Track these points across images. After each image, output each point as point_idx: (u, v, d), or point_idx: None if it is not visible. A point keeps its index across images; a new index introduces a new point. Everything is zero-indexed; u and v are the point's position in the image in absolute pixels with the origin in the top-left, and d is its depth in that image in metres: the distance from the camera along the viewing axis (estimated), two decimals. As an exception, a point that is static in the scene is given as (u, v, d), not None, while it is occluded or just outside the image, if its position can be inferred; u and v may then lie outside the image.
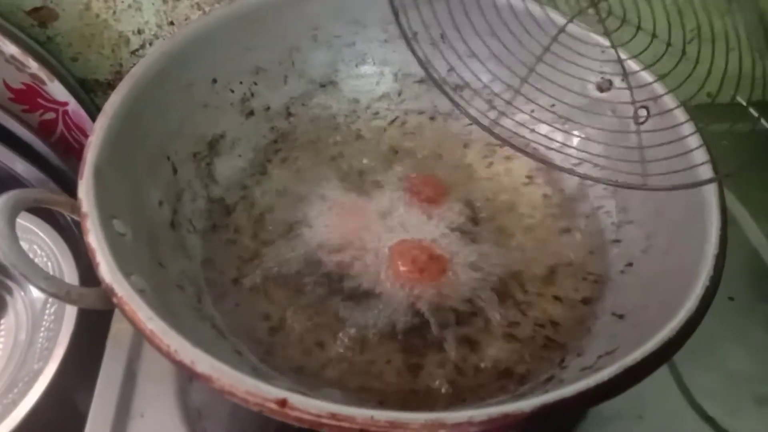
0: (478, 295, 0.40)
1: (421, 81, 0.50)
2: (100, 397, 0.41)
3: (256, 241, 0.42)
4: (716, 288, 0.31)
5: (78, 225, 0.51)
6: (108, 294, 0.29)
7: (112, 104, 0.37)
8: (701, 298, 0.30)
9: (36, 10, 0.51)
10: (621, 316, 0.36)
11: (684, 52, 0.61)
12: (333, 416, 0.25)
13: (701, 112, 0.63)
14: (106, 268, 0.29)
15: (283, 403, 0.25)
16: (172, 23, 0.53)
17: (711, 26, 0.60)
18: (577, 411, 0.26)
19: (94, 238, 0.30)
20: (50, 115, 0.55)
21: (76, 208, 0.33)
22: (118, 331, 0.44)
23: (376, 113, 0.49)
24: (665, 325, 0.29)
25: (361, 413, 0.25)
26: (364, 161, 0.47)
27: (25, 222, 0.48)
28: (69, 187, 0.54)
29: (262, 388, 0.25)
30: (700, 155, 0.37)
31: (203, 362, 0.26)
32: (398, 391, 0.36)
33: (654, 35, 0.58)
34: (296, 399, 0.25)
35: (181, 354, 0.27)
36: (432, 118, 0.49)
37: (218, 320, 0.37)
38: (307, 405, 0.25)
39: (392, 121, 0.49)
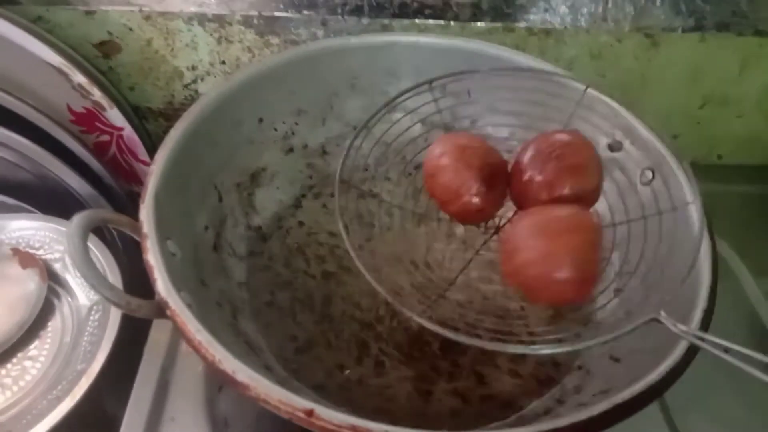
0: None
1: (446, 129, 0.54)
2: (136, 399, 0.45)
3: (289, 270, 0.46)
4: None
5: (122, 239, 0.56)
6: (162, 306, 0.33)
7: (172, 138, 0.41)
8: (687, 349, 0.33)
9: (103, 43, 0.57)
10: (617, 360, 0.40)
11: (695, 116, 0.65)
12: (353, 428, 0.28)
13: (710, 172, 0.67)
14: (162, 284, 0.34)
15: (310, 413, 0.29)
16: (223, 62, 0.58)
17: (723, 93, 0.64)
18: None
19: (152, 257, 0.35)
20: (105, 138, 0.60)
21: (136, 229, 0.37)
22: (155, 341, 0.48)
23: (404, 157, 0.53)
24: (653, 371, 0.32)
25: (378, 427, 0.28)
26: (391, 202, 0.51)
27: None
28: (117, 202, 0.59)
29: (293, 398, 0.29)
30: (697, 219, 0.40)
31: (243, 372, 0.30)
32: (409, 415, 0.39)
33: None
34: (322, 410, 0.29)
35: (224, 364, 0.30)
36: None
37: (250, 337, 0.41)
38: (330, 416, 0.28)
39: (417, 167, 0.53)
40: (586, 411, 0.30)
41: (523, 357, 0.43)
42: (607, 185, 0.47)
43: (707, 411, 0.48)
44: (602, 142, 0.48)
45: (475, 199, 0.38)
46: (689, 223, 0.41)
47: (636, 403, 0.31)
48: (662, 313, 0.34)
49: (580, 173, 0.38)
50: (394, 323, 0.44)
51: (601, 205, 0.47)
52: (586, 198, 0.38)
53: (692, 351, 0.33)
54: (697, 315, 0.35)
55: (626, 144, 0.47)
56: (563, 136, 0.39)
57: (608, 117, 0.47)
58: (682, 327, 0.33)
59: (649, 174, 0.45)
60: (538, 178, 0.37)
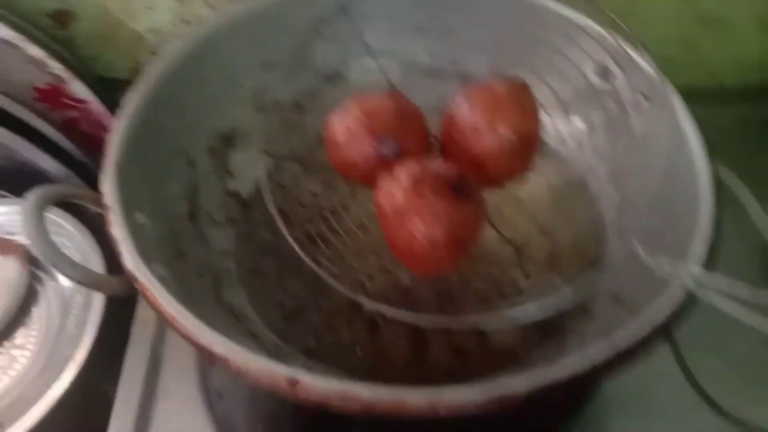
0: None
1: (427, 72, 0.51)
2: (127, 379, 0.43)
3: (273, 235, 0.44)
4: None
5: (102, 217, 0.54)
6: (131, 281, 0.31)
7: (130, 103, 0.39)
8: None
9: (57, 12, 0.54)
10: (620, 300, 0.38)
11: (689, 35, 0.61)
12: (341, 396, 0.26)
13: (709, 96, 0.63)
14: (129, 257, 0.31)
15: (294, 382, 0.27)
16: (187, 22, 0.55)
17: (720, 11, 0.60)
18: (571, 392, 0.28)
19: (117, 229, 0.33)
20: (74, 114, 0.57)
21: (99, 201, 0.35)
22: (143, 318, 0.47)
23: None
24: (657, 312, 0.30)
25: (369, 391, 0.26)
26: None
27: (55, 216, 0.50)
28: (93, 180, 0.57)
29: (274, 367, 0.27)
30: (696, 143, 0.37)
31: (219, 344, 0.28)
32: (405, 376, 0.37)
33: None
34: (306, 378, 0.27)
35: (199, 336, 0.29)
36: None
37: (235, 307, 0.39)
38: (316, 383, 0.27)
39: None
40: (589, 359, 0.28)
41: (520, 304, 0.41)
42: (598, 121, 0.45)
43: (718, 347, 0.46)
44: (589, 70, 0.45)
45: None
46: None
47: (639, 348, 0.29)
48: (639, 249, 0.32)
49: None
50: (386, 280, 0.42)
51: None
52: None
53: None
54: (697, 248, 0.33)
55: (616, 69, 0.44)
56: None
57: (593, 40, 0.44)
58: (664, 261, 0.31)
59: (643, 100, 0.42)
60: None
